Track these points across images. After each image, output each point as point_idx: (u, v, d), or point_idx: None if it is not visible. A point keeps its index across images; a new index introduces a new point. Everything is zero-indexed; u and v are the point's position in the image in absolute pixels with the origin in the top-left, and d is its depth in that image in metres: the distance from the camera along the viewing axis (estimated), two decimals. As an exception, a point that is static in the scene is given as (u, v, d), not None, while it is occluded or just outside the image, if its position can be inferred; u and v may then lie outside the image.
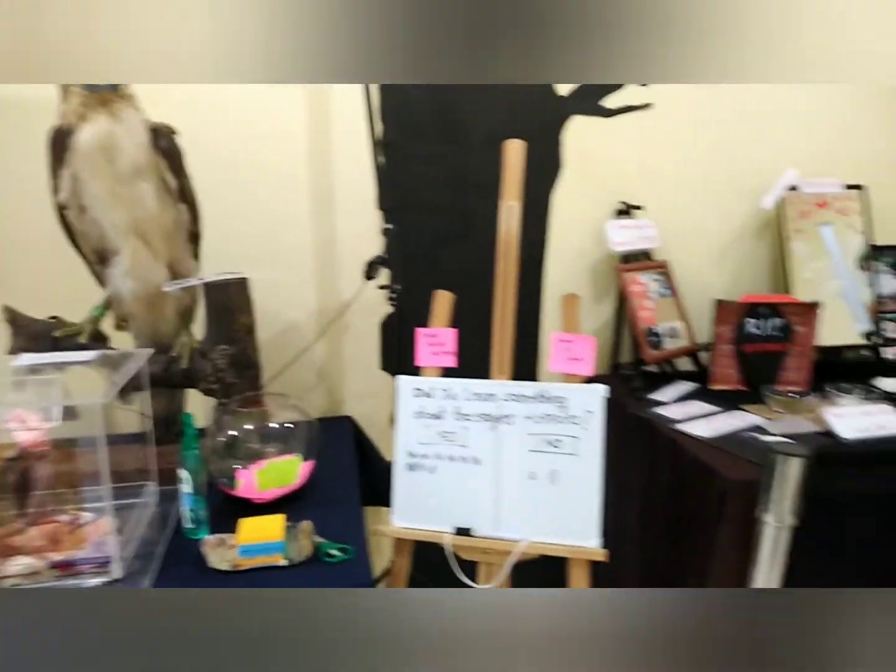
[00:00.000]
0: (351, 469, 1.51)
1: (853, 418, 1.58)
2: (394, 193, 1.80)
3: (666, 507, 1.58)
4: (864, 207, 2.03)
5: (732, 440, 1.53)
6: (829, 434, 1.54)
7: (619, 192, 2.00)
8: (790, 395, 1.76)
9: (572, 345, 1.29)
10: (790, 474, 1.04)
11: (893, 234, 2.10)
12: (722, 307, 1.87)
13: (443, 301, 1.37)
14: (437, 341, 1.33)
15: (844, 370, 2.03)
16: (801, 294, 1.96)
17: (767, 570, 1.07)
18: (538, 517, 1.30)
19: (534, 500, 1.30)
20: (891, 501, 1.47)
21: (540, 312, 2.04)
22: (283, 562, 1.15)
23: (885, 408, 1.63)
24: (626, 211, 1.99)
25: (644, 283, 1.93)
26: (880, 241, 2.06)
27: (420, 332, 1.36)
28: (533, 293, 2.02)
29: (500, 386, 1.33)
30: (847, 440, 1.51)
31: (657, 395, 1.84)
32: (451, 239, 1.78)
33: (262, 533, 1.16)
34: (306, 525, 1.21)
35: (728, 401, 1.79)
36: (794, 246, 2.00)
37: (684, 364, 2.04)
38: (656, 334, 1.90)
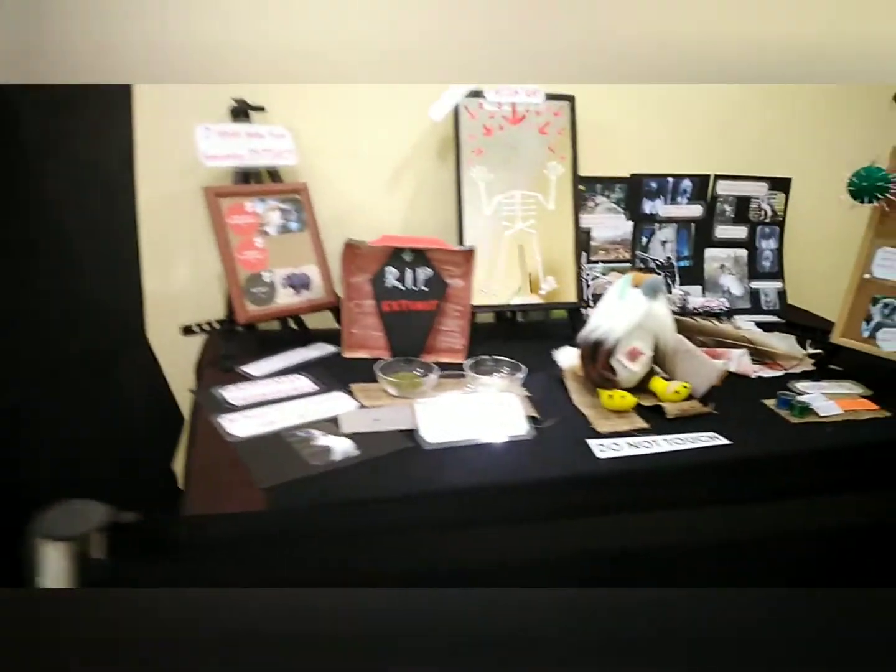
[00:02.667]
0: None
1: (448, 413, 1.16)
2: None
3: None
4: (571, 125, 1.58)
5: (273, 444, 1.09)
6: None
7: (237, 86, 1.46)
8: (416, 370, 1.34)
9: None
10: (52, 563, 0.59)
11: (610, 163, 1.67)
12: (352, 251, 1.40)
13: None
14: None
15: (536, 335, 1.63)
16: (476, 236, 1.51)
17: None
18: None
19: None
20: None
21: (139, 259, 1.50)
22: None
23: (510, 400, 1.22)
24: (243, 112, 1.46)
25: (256, 214, 1.42)
26: (589, 171, 1.62)
27: None
28: (123, 227, 1.48)
29: None
30: (429, 445, 1.09)
31: (254, 367, 1.37)
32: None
33: None
34: None
35: (360, 374, 1.34)
36: (472, 173, 1.53)
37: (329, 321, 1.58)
38: (267, 283, 1.42)
